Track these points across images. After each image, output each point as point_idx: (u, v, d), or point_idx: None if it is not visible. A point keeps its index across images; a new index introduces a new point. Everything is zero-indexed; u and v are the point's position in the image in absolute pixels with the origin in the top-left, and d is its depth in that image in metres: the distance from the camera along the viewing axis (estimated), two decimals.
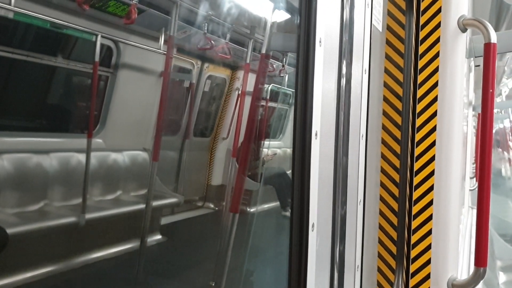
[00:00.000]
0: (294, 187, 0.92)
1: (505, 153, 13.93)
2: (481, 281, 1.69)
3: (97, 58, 5.24)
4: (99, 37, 5.23)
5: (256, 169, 7.64)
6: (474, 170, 6.73)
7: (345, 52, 1.12)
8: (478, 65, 4.62)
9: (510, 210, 10.45)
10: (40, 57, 5.02)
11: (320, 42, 0.94)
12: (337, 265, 1.13)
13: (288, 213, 7.90)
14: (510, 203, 10.89)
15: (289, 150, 10.59)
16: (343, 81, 1.13)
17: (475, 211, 5.18)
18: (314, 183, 0.94)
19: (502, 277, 5.75)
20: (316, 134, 0.94)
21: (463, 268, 2.82)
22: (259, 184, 7.07)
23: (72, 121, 6.02)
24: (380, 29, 1.54)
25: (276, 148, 10.23)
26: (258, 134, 7.88)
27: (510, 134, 13.94)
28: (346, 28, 1.12)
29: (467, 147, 4.92)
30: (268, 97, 8.72)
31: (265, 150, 8.43)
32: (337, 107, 1.10)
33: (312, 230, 0.93)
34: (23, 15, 4.43)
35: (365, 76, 1.31)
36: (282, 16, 4.58)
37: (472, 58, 3.70)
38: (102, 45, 5.44)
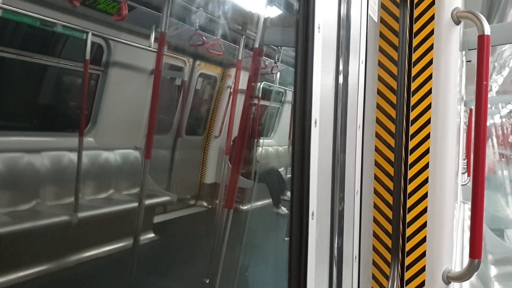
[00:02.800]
0: (294, 175, 0.91)
1: (496, 147, 14.04)
2: (475, 273, 1.69)
3: (88, 56, 5.20)
4: (89, 35, 5.19)
5: (249, 166, 7.64)
6: (465, 166, 6.78)
7: (343, 40, 1.12)
8: (469, 61, 4.64)
9: (500, 205, 10.54)
10: (30, 56, 4.98)
11: (319, 28, 0.93)
12: (336, 254, 1.12)
13: (280, 210, 7.96)
14: (501, 198, 10.98)
15: (280, 148, 10.64)
16: (341, 70, 1.12)
17: (467, 205, 5.21)
18: (314, 171, 0.93)
19: (493, 270, 5.81)
20: (315, 122, 0.94)
21: (456, 262, 2.83)
22: (253, 182, 7.07)
23: (63, 120, 5.98)
24: (376, 20, 1.54)
25: (268, 147, 10.25)
26: (251, 133, 7.87)
27: (500, 129, 14.05)
28: (344, 17, 1.12)
29: (459, 143, 4.94)
30: (259, 96, 8.71)
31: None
32: (335, 96, 1.09)
33: (312, 219, 0.93)
34: (12, 13, 4.39)
35: (362, 66, 1.31)
36: (275, 10, 4.56)
37: (464, 53, 3.71)
38: (92, 43, 5.40)
